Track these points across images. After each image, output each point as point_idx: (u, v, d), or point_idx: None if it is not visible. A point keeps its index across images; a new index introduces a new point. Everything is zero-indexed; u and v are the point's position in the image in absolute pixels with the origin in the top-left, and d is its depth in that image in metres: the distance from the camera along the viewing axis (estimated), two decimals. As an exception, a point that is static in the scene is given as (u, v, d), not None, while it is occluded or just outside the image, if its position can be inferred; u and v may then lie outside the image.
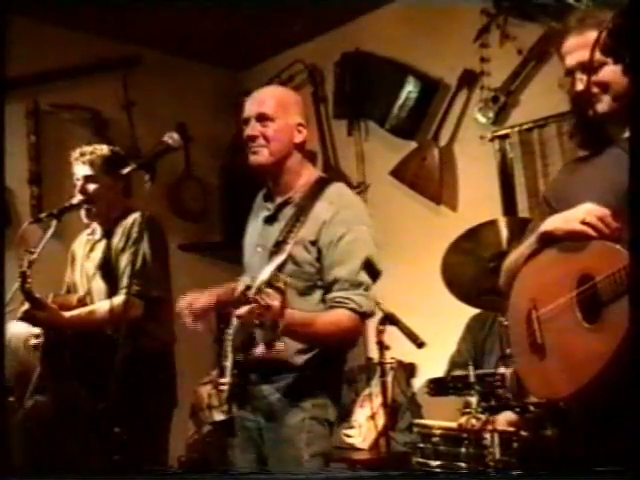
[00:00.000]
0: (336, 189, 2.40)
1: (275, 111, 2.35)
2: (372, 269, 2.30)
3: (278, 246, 2.29)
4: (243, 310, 2.06)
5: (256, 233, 2.48)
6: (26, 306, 2.83)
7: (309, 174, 2.44)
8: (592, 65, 1.71)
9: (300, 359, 2.28)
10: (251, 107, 2.38)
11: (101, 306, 2.94)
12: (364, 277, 2.27)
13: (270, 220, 2.43)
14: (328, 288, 2.28)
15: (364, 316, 2.28)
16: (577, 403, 1.71)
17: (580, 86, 1.78)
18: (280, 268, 2.12)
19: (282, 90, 2.61)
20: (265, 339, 2.08)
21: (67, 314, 2.93)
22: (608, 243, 1.64)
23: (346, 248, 2.27)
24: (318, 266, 2.29)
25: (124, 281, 2.91)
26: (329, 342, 2.27)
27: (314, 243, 2.28)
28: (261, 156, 2.35)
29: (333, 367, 2.36)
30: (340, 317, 2.24)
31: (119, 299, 2.82)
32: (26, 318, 2.84)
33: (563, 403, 1.82)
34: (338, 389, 2.39)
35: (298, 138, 2.39)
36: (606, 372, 1.53)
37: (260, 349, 2.16)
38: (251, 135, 2.35)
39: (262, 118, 2.34)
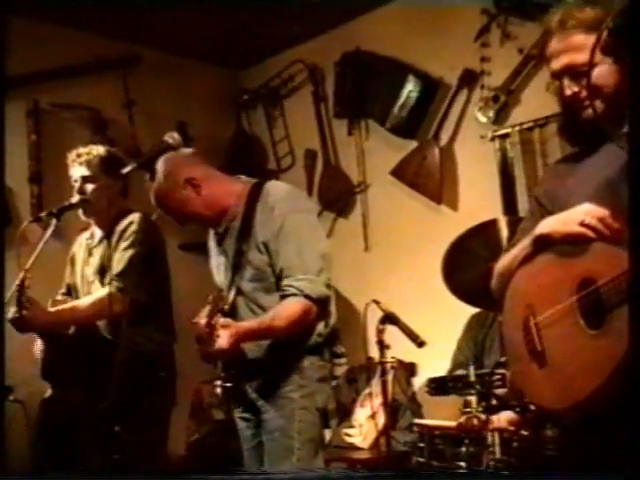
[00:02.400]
0: (269, 188, 2.49)
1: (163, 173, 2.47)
2: (315, 252, 2.39)
3: (237, 257, 2.43)
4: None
5: (215, 254, 2.62)
6: (15, 310, 2.82)
7: (241, 187, 2.52)
8: (579, 70, 1.68)
9: (262, 356, 2.40)
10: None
11: (84, 301, 2.96)
12: (306, 261, 2.36)
13: (222, 238, 2.54)
14: (280, 280, 2.39)
15: (310, 298, 2.33)
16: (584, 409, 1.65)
17: (568, 91, 1.73)
18: (242, 275, 2.38)
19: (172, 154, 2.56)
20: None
21: (52, 309, 2.93)
22: (610, 245, 1.56)
23: (284, 239, 2.37)
24: (271, 263, 2.40)
25: (108, 277, 2.91)
26: (287, 333, 2.35)
27: (263, 243, 2.40)
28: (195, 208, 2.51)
29: (298, 354, 2.40)
30: (286, 306, 2.34)
31: (101, 293, 2.84)
32: (15, 323, 2.84)
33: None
34: (323, 374, 2.42)
35: (188, 174, 2.48)
36: (614, 376, 1.48)
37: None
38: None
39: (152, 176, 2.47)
